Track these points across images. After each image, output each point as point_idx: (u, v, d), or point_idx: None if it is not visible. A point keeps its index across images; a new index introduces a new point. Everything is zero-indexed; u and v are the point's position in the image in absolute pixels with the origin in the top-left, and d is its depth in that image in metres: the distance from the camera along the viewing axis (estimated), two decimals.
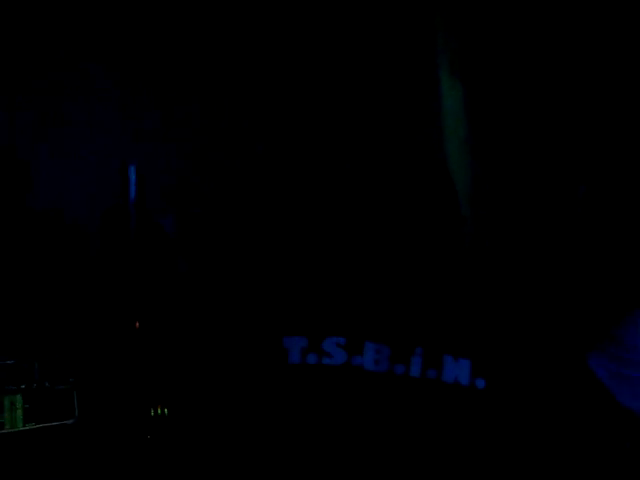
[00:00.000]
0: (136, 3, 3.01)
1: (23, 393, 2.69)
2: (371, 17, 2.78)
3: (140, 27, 3.16)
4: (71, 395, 2.81)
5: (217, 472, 2.26)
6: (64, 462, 2.69)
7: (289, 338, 2.25)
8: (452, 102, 2.72)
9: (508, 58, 2.81)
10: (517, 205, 2.71)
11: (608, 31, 2.79)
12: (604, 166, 2.57)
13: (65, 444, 2.67)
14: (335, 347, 2.25)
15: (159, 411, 2.76)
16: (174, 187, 3.09)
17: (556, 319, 2.47)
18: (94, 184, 2.99)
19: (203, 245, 2.87)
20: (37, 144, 3.30)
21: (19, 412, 2.64)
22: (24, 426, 2.67)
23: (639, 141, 2.75)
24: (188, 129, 3.08)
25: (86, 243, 2.90)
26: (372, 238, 2.39)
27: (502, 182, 2.76)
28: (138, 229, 2.82)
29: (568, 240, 2.60)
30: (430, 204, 2.41)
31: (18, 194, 2.89)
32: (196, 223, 2.96)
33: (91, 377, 2.84)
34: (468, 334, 2.39)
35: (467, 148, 2.74)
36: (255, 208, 2.77)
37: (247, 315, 2.37)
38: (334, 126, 2.77)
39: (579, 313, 2.33)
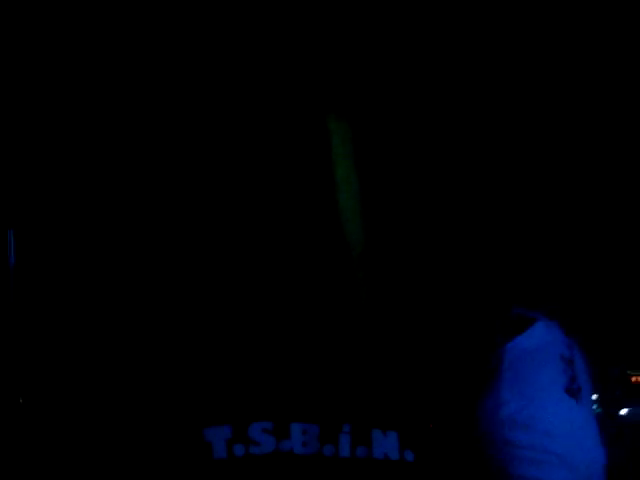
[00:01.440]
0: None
1: None
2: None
3: None
4: None
5: None
6: None
7: (210, 429, 2.06)
8: (340, 145, 2.60)
9: (397, 99, 2.72)
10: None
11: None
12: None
13: None
14: (262, 433, 2.09)
15: None
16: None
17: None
18: None
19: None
20: None
21: None
22: None
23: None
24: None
25: None
26: (287, 313, 2.24)
27: (395, 229, 2.67)
28: (19, 296, 2.57)
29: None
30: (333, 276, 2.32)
31: None
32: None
33: None
34: (393, 404, 2.27)
35: (357, 194, 2.63)
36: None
37: (154, 408, 2.15)
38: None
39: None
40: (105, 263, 2.55)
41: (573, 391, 1.87)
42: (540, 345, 1.92)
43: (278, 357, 2.19)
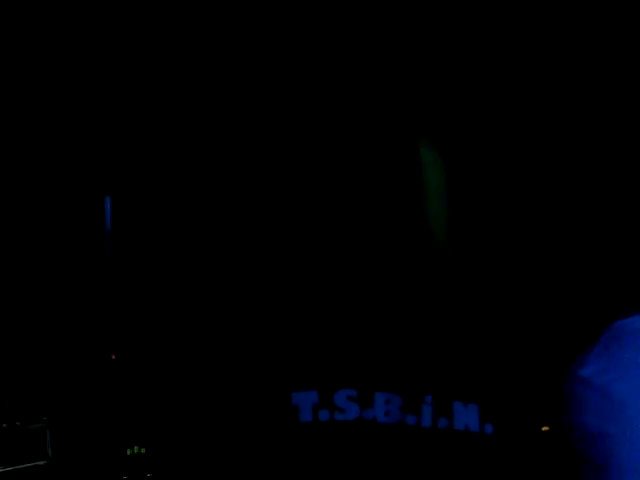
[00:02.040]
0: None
1: None
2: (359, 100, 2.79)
3: None
4: (44, 434, 2.65)
5: None
6: None
7: (298, 394, 2.14)
8: (432, 171, 2.77)
9: (482, 115, 2.84)
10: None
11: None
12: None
13: None
14: (347, 401, 2.16)
15: (136, 451, 2.61)
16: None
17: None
18: None
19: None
20: None
21: None
22: None
23: None
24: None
25: (57, 273, 2.73)
26: (377, 286, 2.30)
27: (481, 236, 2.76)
28: (114, 261, 2.66)
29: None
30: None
31: None
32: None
33: (65, 415, 2.67)
34: (474, 377, 2.32)
35: (444, 200, 2.76)
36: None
37: (246, 368, 2.23)
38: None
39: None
40: (200, 235, 2.64)
41: None
42: None
43: (365, 329, 2.25)
